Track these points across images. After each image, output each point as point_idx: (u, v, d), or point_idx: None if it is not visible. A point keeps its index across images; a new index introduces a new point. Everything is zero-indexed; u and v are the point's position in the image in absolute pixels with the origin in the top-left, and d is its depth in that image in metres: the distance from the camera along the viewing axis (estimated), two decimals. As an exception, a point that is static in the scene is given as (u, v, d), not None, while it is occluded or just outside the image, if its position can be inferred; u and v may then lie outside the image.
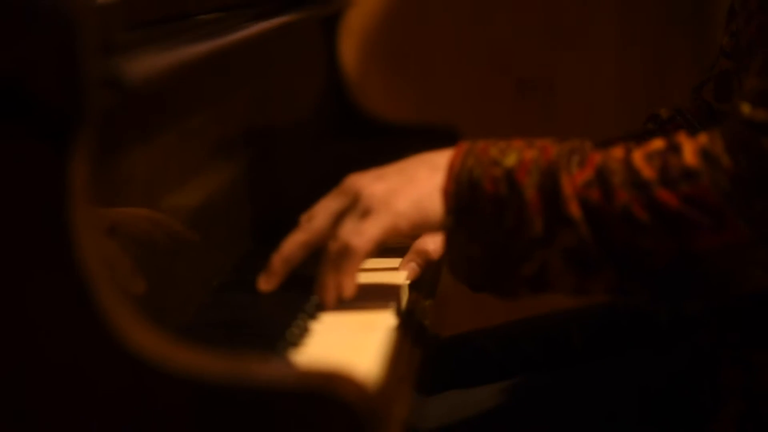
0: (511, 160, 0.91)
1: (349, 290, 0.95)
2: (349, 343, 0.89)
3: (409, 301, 1.05)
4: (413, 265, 1.09)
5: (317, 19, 1.57)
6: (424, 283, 1.10)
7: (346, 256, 0.93)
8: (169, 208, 0.96)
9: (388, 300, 0.99)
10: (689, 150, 0.87)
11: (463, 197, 0.91)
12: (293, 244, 0.98)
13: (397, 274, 1.08)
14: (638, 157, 0.88)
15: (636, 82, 2.43)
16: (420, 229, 0.95)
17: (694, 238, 0.86)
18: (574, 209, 0.88)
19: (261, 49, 1.24)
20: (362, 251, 0.93)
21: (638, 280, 0.90)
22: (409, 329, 0.97)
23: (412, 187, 0.94)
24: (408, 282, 1.06)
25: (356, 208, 0.94)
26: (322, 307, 0.96)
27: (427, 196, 0.93)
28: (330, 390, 0.68)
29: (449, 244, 0.93)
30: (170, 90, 0.94)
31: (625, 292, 0.92)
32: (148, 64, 0.78)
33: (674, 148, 0.88)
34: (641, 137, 1.21)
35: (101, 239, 0.71)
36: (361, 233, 0.93)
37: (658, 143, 0.89)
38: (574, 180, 0.88)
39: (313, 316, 0.95)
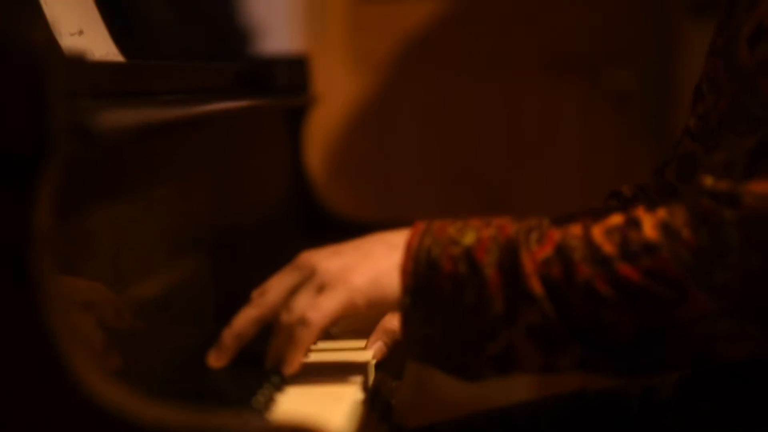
0: (469, 238, 0.90)
1: (297, 365, 0.93)
2: (316, 411, 0.86)
3: (376, 379, 1.03)
4: (380, 344, 1.06)
5: (281, 110, 1.57)
6: (391, 362, 1.08)
7: (300, 330, 0.92)
8: (134, 281, 0.94)
9: (355, 376, 0.97)
10: (649, 224, 0.87)
11: (422, 276, 0.90)
12: (245, 319, 0.96)
13: (363, 352, 1.05)
14: (597, 232, 0.88)
15: (599, 191, 2.45)
16: (377, 307, 0.94)
17: (657, 311, 0.85)
18: (536, 286, 0.87)
19: (225, 131, 1.23)
20: (317, 325, 0.92)
21: (604, 355, 0.88)
22: (375, 406, 0.95)
23: (370, 264, 0.93)
24: (374, 360, 1.04)
25: (311, 283, 0.93)
26: (287, 380, 0.94)
27: (384, 273, 0.92)
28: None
29: (406, 323, 0.91)
30: (135, 155, 0.93)
31: (592, 367, 0.90)
32: (117, 118, 0.77)
33: (633, 223, 0.87)
34: (602, 213, 1.21)
35: (67, 293, 0.69)
36: (317, 308, 0.92)
37: (616, 218, 0.89)
38: (534, 256, 0.87)
39: (278, 387, 0.92)
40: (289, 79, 1.60)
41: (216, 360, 0.96)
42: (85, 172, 0.78)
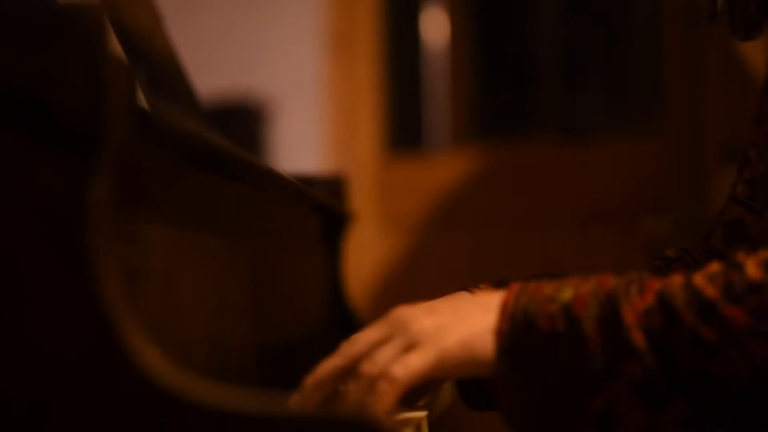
0: (567, 294, 0.87)
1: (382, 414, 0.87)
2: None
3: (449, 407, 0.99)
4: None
5: (318, 220, 1.56)
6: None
7: (382, 384, 0.87)
8: (182, 312, 0.92)
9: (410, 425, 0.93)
10: (751, 264, 0.84)
11: (518, 337, 0.87)
12: (328, 367, 0.92)
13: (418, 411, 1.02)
14: (699, 279, 0.85)
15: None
16: (465, 370, 0.89)
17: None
18: (638, 338, 0.83)
19: (271, 206, 1.22)
20: (402, 382, 0.87)
21: (712, 411, 0.84)
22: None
23: (463, 326, 0.89)
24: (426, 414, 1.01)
25: (401, 339, 0.89)
26: None
27: (477, 336, 0.88)
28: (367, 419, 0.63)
29: (504, 389, 0.87)
30: (189, 186, 0.91)
31: (699, 426, 0.85)
32: (175, 116, 0.76)
33: (735, 266, 0.85)
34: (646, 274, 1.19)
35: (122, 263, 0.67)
36: (404, 364, 0.87)
37: (715, 266, 0.86)
38: (635, 308, 0.84)
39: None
40: (328, 193, 1.61)
41: (297, 405, 0.91)
42: (143, 172, 0.77)
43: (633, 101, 3.22)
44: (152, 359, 0.64)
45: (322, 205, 1.46)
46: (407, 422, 0.95)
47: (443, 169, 3.10)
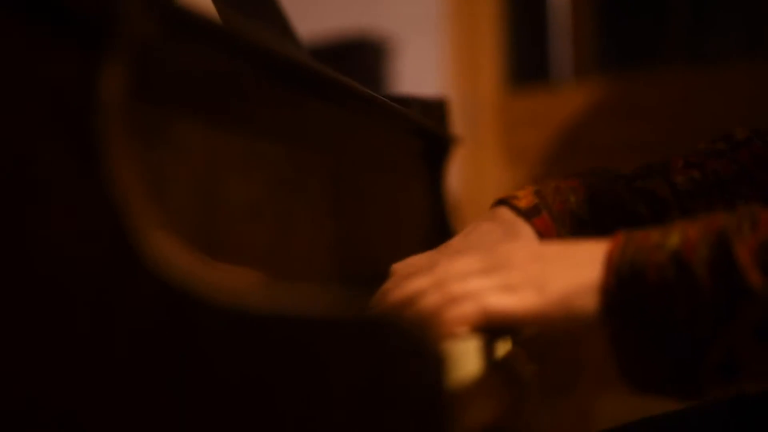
0: (674, 240, 0.80)
1: (441, 333, 0.81)
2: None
3: (509, 354, 0.93)
4: None
5: (418, 142, 1.51)
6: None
7: (468, 303, 0.82)
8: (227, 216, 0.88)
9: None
10: None
11: (626, 292, 0.80)
12: (414, 285, 0.85)
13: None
14: None
15: None
16: (560, 326, 0.83)
17: None
18: (754, 278, 0.76)
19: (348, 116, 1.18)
20: (491, 311, 0.81)
21: None
22: (503, 365, 0.86)
23: (566, 279, 0.82)
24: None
25: (501, 277, 0.83)
26: None
27: (579, 292, 0.81)
28: (393, 321, 0.58)
29: (617, 348, 0.81)
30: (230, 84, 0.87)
31: None
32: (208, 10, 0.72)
33: None
34: (708, 156, 1.10)
35: (135, 157, 0.63)
36: (501, 297, 0.82)
37: None
38: (748, 245, 0.77)
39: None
40: (428, 117, 1.56)
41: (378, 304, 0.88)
42: (175, 69, 0.73)
43: (766, 23, 3.08)
44: (171, 258, 0.61)
45: (417, 125, 1.41)
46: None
47: (567, 102, 3.02)
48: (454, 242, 1.07)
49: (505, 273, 0.83)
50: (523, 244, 0.86)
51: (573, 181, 1.14)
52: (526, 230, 1.08)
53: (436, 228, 1.59)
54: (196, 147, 0.78)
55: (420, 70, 3.18)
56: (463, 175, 3.10)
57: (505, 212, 1.10)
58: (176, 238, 0.63)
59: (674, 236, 0.81)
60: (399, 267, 1.06)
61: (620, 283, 0.80)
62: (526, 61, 3.27)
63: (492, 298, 0.81)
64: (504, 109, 3.13)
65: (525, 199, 1.10)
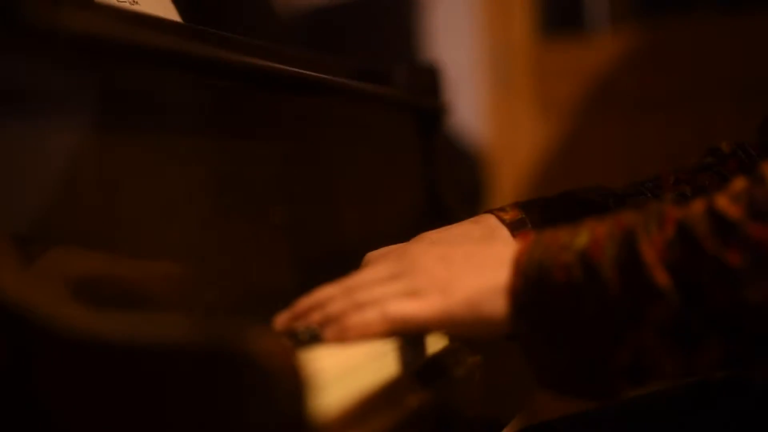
0: (582, 239, 0.79)
1: (346, 340, 0.83)
2: (328, 354, 0.77)
3: (446, 348, 0.92)
4: None
5: (408, 113, 1.49)
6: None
7: (371, 310, 0.82)
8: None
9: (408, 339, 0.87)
10: None
11: (534, 293, 0.79)
12: (323, 294, 0.87)
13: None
14: (722, 200, 0.76)
15: None
16: (468, 330, 0.83)
17: None
18: (661, 277, 0.75)
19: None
20: (392, 318, 0.82)
21: (751, 346, 0.75)
22: (423, 371, 0.85)
23: (473, 282, 0.82)
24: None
25: (405, 281, 0.84)
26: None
27: (486, 295, 0.81)
28: (239, 345, 0.58)
29: (527, 351, 0.81)
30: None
31: (739, 362, 0.77)
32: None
33: (758, 180, 0.75)
34: (698, 171, 1.09)
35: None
36: (401, 304, 0.82)
37: (739, 183, 0.77)
38: (654, 244, 0.76)
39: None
40: (415, 86, 1.53)
41: (282, 322, 0.88)
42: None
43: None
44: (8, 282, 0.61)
45: (392, 100, 1.38)
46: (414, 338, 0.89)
47: (601, 51, 2.97)
48: (431, 233, 1.07)
49: (411, 277, 0.83)
50: (429, 248, 0.86)
51: (562, 198, 1.13)
52: (504, 235, 1.08)
53: (429, 199, 1.57)
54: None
55: (452, 20, 3.15)
56: (494, 126, 3.07)
57: (490, 218, 1.10)
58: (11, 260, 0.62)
59: (582, 236, 0.80)
60: (373, 256, 1.07)
61: (527, 285, 0.79)
62: (560, 8, 3.22)
63: (392, 305, 0.82)
64: (536, 59, 3.09)
65: (511, 213, 1.11)
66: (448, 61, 2.79)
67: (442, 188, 1.60)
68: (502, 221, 1.10)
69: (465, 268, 0.83)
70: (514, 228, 1.09)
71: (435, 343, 0.92)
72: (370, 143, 1.37)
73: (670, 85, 2.83)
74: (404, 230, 1.38)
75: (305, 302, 0.87)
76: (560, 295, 0.78)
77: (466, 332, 0.83)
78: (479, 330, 0.82)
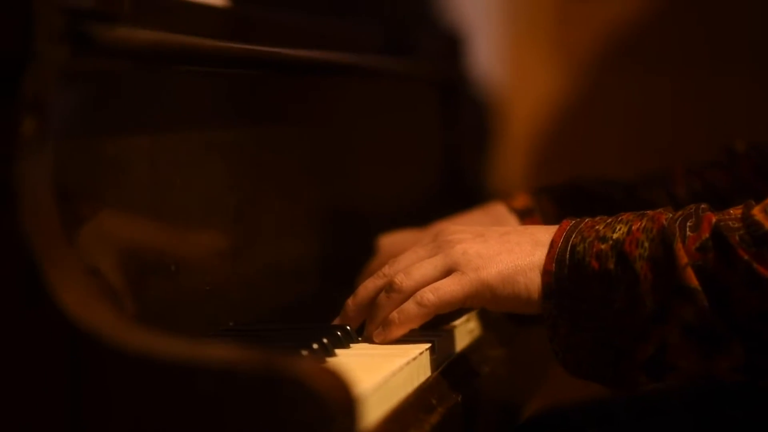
0: (619, 232, 0.82)
1: (391, 337, 0.86)
2: (361, 365, 0.79)
3: (473, 344, 0.95)
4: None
5: (428, 83, 1.50)
6: (499, 326, 1.02)
7: (411, 306, 0.85)
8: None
9: (435, 336, 0.89)
10: None
11: (566, 277, 0.82)
12: (369, 288, 0.89)
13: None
14: (757, 211, 0.78)
15: None
16: (503, 305, 0.86)
17: None
18: (690, 278, 0.78)
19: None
20: (430, 309, 0.85)
21: None
22: (449, 371, 0.88)
23: (509, 259, 0.85)
24: (467, 320, 0.97)
25: (442, 258, 0.86)
26: (353, 337, 0.88)
27: (522, 272, 0.84)
28: (292, 372, 0.60)
29: (553, 332, 0.83)
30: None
31: (757, 371, 0.80)
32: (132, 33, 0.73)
33: None
34: (708, 167, 1.10)
35: (51, 197, 0.65)
36: (438, 290, 0.85)
37: None
38: (688, 245, 0.78)
39: (342, 342, 0.86)
40: (439, 56, 1.54)
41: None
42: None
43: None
44: (71, 298, 0.63)
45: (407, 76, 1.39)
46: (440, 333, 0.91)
47: (627, 2, 2.95)
48: (443, 223, 1.10)
49: (445, 255, 0.86)
50: (467, 227, 0.89)
51: (571, 186, 1.16)
52: (513, 222, 1.11)
53: (449, 170, 1.58)
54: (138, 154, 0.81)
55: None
56: (509, 73, 3.07)
57: (498, 207, 1.13)
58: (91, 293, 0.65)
59: (619, 228, 0.82)
60: (385, 243, 1.10)
61: (561, 268, 0.82)
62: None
63: (429, 293, 0.84)
64: (559, 6, 3.07)
65: (520, 201, 1.13)
66: (467, 2, 2.77)
67: (462, 157, 1.62)
68: (512, 209, 1.12)
69: (502, 244, 0.86)
70: (523, 215, 1.12)
71: (461, 340, 0.95)
72: (391, 113, 1.38)
73: (689, 42, 2.82)
74: (424, 201, 1.41)
75: (351, 306, 0.90)
76: (592, 283, 0.81)
77: (502, 308, 0.86)
78: (514, 306, 0.85)
